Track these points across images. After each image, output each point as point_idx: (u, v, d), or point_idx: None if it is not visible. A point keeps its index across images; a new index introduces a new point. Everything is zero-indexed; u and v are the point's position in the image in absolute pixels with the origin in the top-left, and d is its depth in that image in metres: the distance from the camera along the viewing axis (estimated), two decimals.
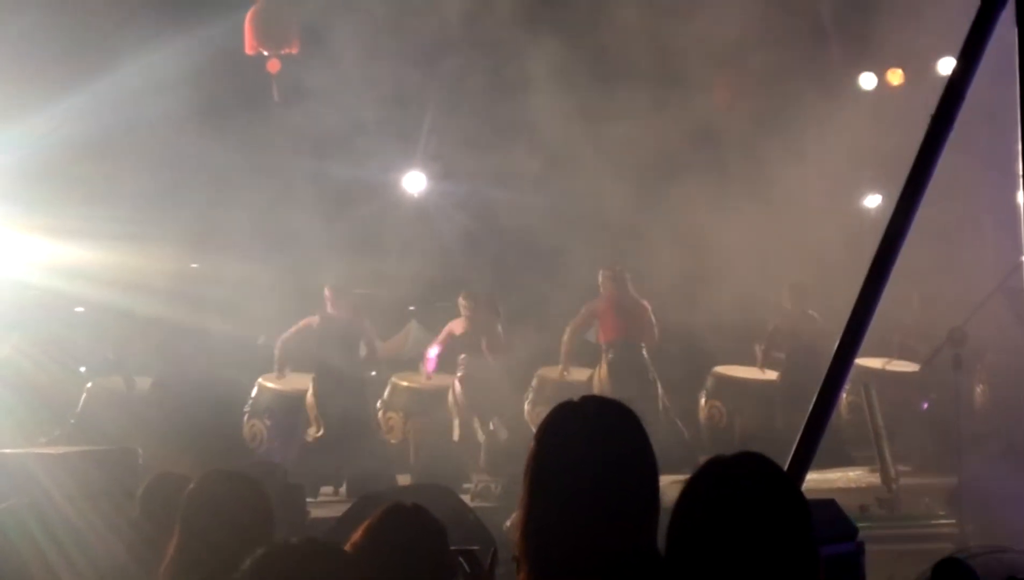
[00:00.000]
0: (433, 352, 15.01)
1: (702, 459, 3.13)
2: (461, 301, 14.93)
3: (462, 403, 14.68)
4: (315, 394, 14.09)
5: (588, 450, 3.21)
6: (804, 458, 6.07)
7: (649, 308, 14.96)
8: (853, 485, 13.38)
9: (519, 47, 15.79)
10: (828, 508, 6.05)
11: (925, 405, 14.59)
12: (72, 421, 13.74)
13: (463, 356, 14.76)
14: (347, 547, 4.02)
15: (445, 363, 15.14)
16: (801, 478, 6.03)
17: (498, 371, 14.82)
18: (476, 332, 14.75)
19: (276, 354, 14.51)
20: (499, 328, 14.90)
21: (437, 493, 9.40)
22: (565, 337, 15.13)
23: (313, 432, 14.09)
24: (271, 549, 2.99)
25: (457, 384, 14.75)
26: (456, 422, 14.70)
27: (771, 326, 15.56)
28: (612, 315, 14.85)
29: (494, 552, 4.40)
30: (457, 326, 14.83)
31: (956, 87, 5.94)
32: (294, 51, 15.46)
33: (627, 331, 14.75)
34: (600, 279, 15.01)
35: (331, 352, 13.93)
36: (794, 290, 15.46)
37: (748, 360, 16.15)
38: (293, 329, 14.34)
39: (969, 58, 5.92)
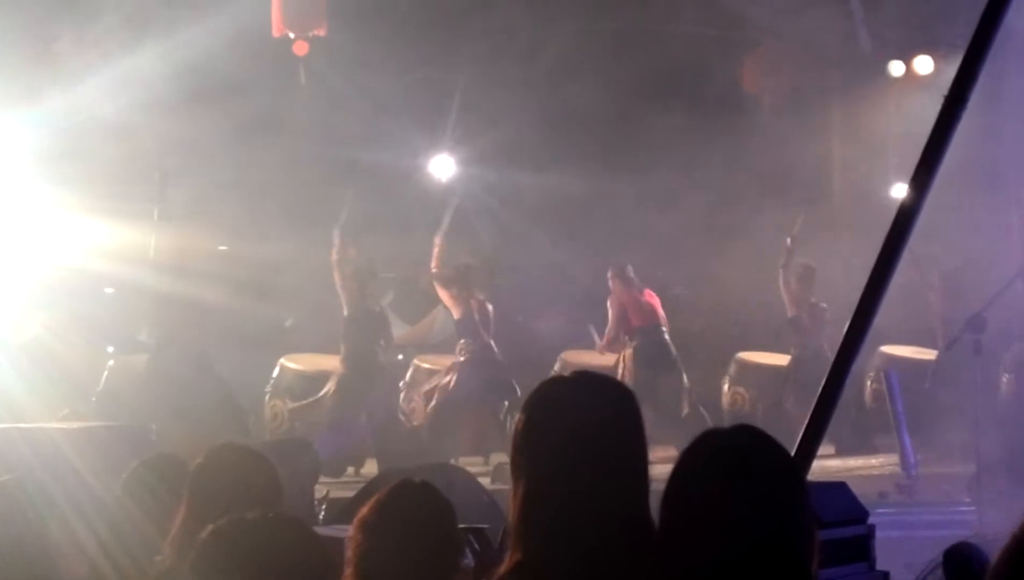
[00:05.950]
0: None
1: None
2: (452, 288, 14.84)
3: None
4: (338, 379, 14.01)
5: (575, 420, 3.20)
6: (813, 440, 6.08)
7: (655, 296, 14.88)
8: (875, 472, 13.38)
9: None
10: (839, 491, 6.06)
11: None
12: (93, 399, 13.80)
13: (463, 340, 14.51)
14: (355, 522, 4.06)
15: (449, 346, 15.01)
16: (810, 460, 6.04)
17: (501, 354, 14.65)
18: (472, 313, 14.48)
19: None
20: (489, 308, 14.63)
21: (451, 473, 9.43)
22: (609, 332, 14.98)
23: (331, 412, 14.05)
24: (232, 519, 2.99)
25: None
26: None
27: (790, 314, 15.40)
28: (632, 305, 14.77)
29: (504, 531, 4.42)
30: (455, 308, 14.52)
31: (968, 69, 5.95)
32: (322, 33, 15.43)
33: (648, 318, 14.70)
34: (609, 279, 14.87)
35: (359, 337, 13.90)
36: (804, 272, 15.11)
37: (771, 346, 16.11)
38: None
39: (980, 42, 5.93)
